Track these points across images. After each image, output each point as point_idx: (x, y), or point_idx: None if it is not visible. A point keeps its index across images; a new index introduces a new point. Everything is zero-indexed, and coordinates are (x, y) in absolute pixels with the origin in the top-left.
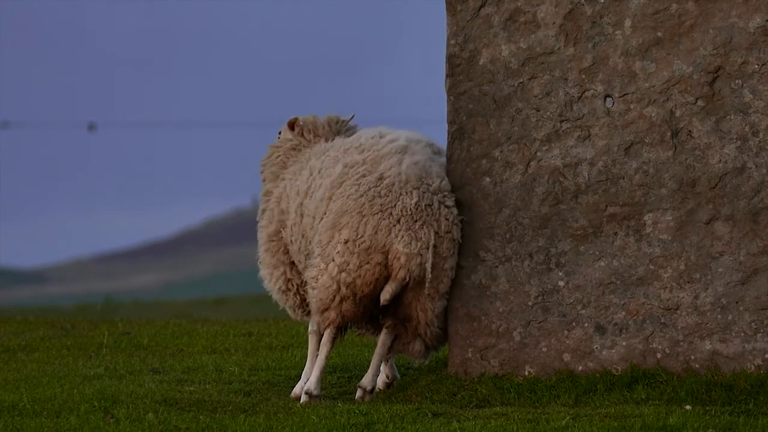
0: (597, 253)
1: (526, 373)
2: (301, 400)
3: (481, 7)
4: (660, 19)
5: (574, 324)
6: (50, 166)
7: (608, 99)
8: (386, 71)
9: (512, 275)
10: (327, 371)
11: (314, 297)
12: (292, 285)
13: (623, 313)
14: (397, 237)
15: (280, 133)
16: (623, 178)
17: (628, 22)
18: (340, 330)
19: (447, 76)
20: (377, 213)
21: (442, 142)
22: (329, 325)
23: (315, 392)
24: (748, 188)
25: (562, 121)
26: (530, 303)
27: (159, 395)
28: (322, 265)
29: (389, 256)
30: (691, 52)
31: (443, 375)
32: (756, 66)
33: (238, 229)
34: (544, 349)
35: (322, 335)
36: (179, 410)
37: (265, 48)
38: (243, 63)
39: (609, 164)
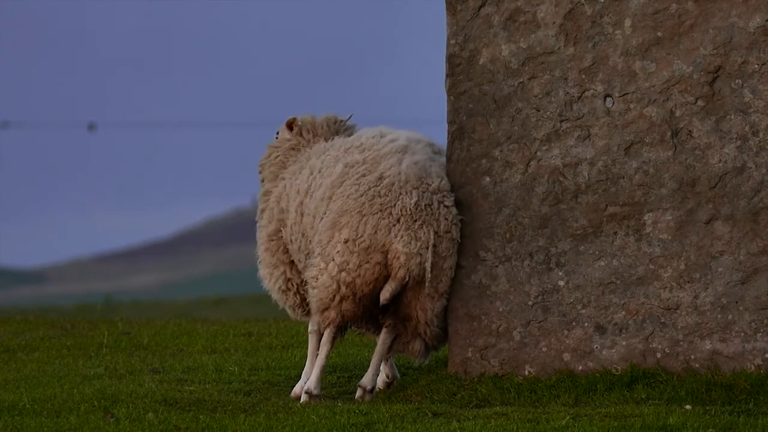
0: (597, 252)
1: (526, 372)
2: (301, 400)
3: (481, 6)
4: (660, 19)
5: (574, 324)
6: (50, 166)
7: (608, 99)
8: (386, 71)
9: (512, 275)
10: (327, 371)
11: (314, 296)
12: (292, 284)
13: (623, 312)
14: (396, 236)
15: (278, 133)
16: (623, 177)
17: (628, 22)
18: (340, 329)
19: (447, 75)
20: (377, 212)
21: (442, 142)
22: (329, 324)
23: (315, 392)
24: (748, 188)
25: (562, 121)
26: (530, 303)
27: (159, 395)
28: (322, 265)
29: (389, 256)
30: (691, 51)
31: (443, 375)
32: (756, 66)
33: (238, 229)
34: (544, 349)
35: (322, 335)
36: (179, 410)
37: (265, 48)
38: (243, 63)
39: (609, 164)
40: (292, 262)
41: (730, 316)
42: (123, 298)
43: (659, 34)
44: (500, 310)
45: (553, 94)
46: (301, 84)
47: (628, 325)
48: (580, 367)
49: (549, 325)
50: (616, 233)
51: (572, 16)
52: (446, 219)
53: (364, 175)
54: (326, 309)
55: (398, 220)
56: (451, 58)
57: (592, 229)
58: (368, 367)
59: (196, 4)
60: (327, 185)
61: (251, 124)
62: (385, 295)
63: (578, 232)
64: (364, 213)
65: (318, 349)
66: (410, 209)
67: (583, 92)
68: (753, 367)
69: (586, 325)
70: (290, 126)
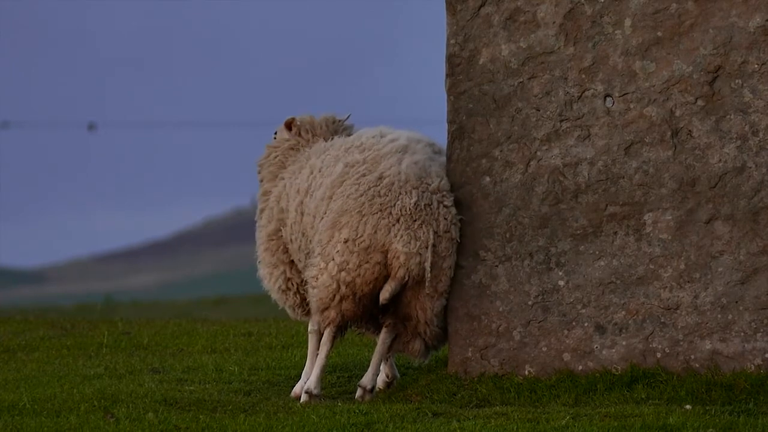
0: (597, 252)
1: (526, 372)
2: (301, 400)
3: (481, 6)
4: (660, 19)
5: (574, 323)
6: (50, 166)
7: (608, 98)
8: (386, 71)
9: (512, 275)
10: (327, 371)
11: (314, 296)
12: (292, 284)
13: (623, 312)
14: (396, 236)
15: (275, 133)
16: (623, 177)
17: (628, 22)
18: (340, 329)
19: (447, 75)
20: (377, 212)
21: (442, 141)
22: (329, 324)
23: (315, 391)
24: (748, 188)
25: (562, 121)
26: (530, 302)
27: (159, 395)
28: (322, 264)
29: (388, 256)
30: (691, 51)
31: (443, 374)
32: (756, 66)
33: (238, 229)
34: (544, 349)
35: (322, 334)
36: (179, 410)
37: (265, 48)
38: (243, 63)
39: (609, 164)
40: (292, 261)
41: (730, 316)
42: (123, 298)
43: (659, 34)
44: (500, 309)
45: (553, 93)
46: (301, 84)
47: (628, 325)
48: (580, 367)
49: (549, 325)
50: (616, 233)
51: (572, 15)
52: (446, 219)
53: (364, 175)
54: (326, 309)
55: (398, 220)
56: (451, 58)
57: (592, 229)
58: (368, 366)
59: (196, 4)
60: (327, 185)
61: (251, 124)
62: (384, 294)
63: (578, 231)
64: (364, 213)
65: (318, 349)
66: (410, 209)
67: (583, 92)
68: (753, 367)
69: (586, 325)
70: (289, 126)
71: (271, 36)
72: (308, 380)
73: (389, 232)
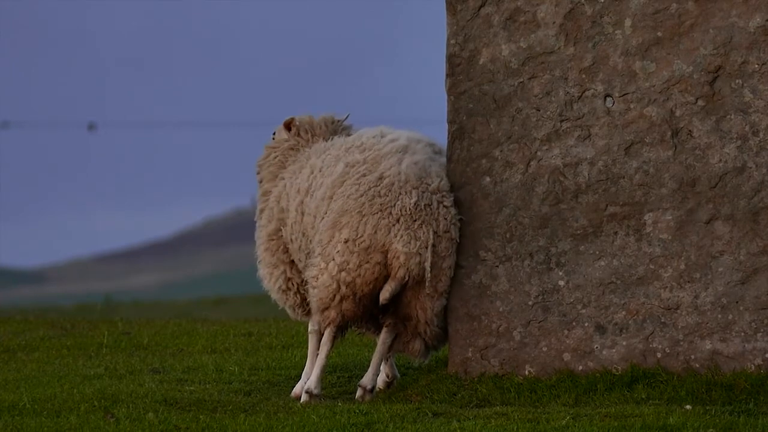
0: (597, 252)
1: (527, 372)
2: (302, 400)
3: (481, 6)
4: (660, 19)
5: (574, 324)
6: (50, 166)
7: (608, 98)
8: (386, 71)
9: (512, 275)
10: (327, 371)
11: (314, 296)
12: (292, 284)
13: (623, 312)
14: (396, 236)
15: (274, 133)
16: (623, 177)
17: (628, 22)
18: (341, 329)
19: (447, 75)
20: (377, 212)
21: (443, 141)
22: (329, 324)
23: (315, 391)
24: (748, 188)
25: (562, 121)
26: (530, 302)
27: (159, 395)
28: (323, 265)
29: (388, 256)
30: (691, 51)
31: (443, 374)
32: (756, 66)
33: (238, 229)
34: (545, 349)
35: (323, 334)
36: (179, 410)
37: (265, 48)
38: (243, 63)
39: (609, 164)
40: (292, 261)
41: (730, 316)
42: (123, 298)
43: (659, 34)
44: (500, 310)
45: (554, 93)
46: (301, 84)
47: (628, 325)
48: (581, 367)
49: (549, 325)
50: (616, 233)
51: (572, 15)
52: (445, 219)
53: (364, 175)
54: (326, 309)
55: (398, 220)
56: (451, 58)
57: (593, 229)
58: (368, 366)
59: (196, 4)
60: (328, 185)
61: (251, 124)
62: (384, 294)
63: (578, 232)
64: (364, 213)
65: (318, 349)
66: (410, 209)
67: (584, 92)
68: (753, 367)
69: (586, 325)
70: (288, 126)
71: (271, 36)
72: (308, 380)
73: (389, 232)
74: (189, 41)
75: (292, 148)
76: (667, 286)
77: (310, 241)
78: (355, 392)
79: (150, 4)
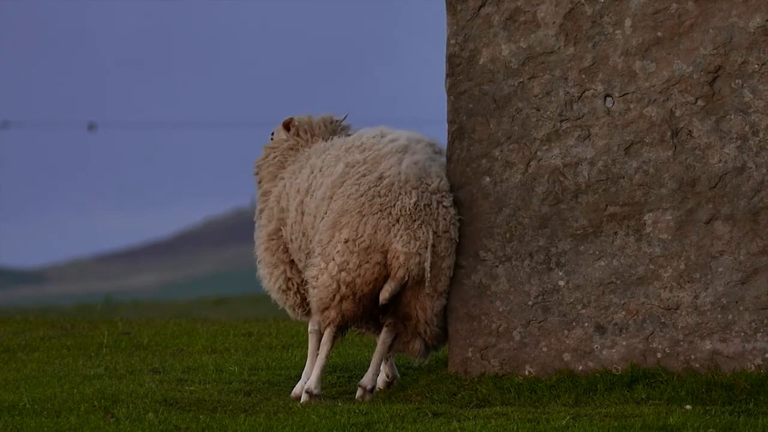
0: (597, 252)
1: (526, 372)
2: (302, 400)
3: (481, 6)
4: (660, 19)
5: (574, 324)
6: (50, 166)
7: (608, 99)
8: (386, 71)
9: (512, 275)
10: (327, 371)
11: (314, 296)
12: (292, 284)
13: (623, 312)
14: (396, 236)
15: (272, 134)
16: (623, 177)
17: (628, 22)
18: (341, 329)
19: (447, 75)
20: (377, 212)
21: (443, 141)
22: (329, 324)
23: (315, 391)
24: (748, 188)
25: (562, 121)
26: (530, 303)
27: (159, 395)
28: (323, 265)
29: (388, 256)
30: (691, 51)
31: (443, 375)
32: (756, 66)
33: (238, 229)
34: (544, 349)
35: (323, 334)
36: (179, 410)
37: (265, 48)
38: (243, 63)
39: (609, 164)
40: (292, 261)
41: (730, 316)
42: (123, 298)
43: (659, 34)
44: (500, 310)
45: (553, 93)
46: (301, 84)
47: (628, 325)
48: (581, 367)
49: (549, 325)
50: (616, 233)
51: (572, 15)
52: (445, 219)
53: (364, 175)
54: (326, 308)
55: (398, 220)
56: (451, 58)
57: (592, 229)
58: (368, 366)
59: (196, 4)
60: (328, 185)
61: (251, 124)
62: (384, 294)
63: (578, 232)
64: (364, 213)
65: (318, 349)
66: (409, 209)
67: (583, 92)
68: (753, 367)
69: (586, 325)
70: (287, 126)
71: (271, 36)
72: (308, 380)
73: (389, 232)
74: (189, 41)
75: (291, 148)
76: (667, 286)
77: (310, 241)
78: (355, 392)
79: (150, 4)
